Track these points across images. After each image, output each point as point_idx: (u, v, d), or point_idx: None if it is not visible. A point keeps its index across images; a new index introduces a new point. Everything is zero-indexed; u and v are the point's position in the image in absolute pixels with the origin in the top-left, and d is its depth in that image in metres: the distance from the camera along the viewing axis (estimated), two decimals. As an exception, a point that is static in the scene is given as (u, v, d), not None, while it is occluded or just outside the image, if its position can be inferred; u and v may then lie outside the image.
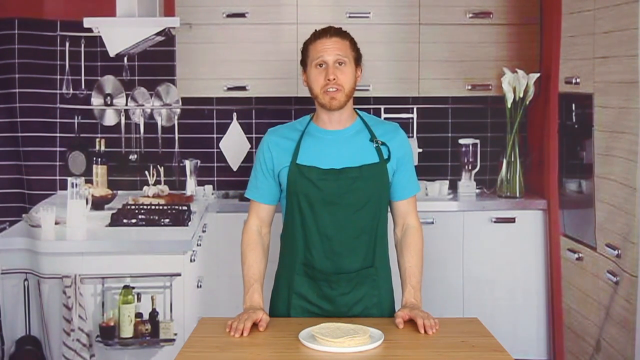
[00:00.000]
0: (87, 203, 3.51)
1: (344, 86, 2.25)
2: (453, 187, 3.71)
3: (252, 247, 2.35)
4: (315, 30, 2.31)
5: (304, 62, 2.33)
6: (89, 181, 3.60)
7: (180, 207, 3.57)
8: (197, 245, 3.48)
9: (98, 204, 3.57)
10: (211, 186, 3.69)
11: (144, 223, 3.49)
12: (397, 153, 2.32)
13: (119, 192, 3.65)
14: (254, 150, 3.63)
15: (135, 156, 3.67)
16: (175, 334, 3.41)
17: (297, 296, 2.31)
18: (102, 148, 3.63)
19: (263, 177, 2.35)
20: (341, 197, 2.26)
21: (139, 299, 3.39)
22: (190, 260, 3.42)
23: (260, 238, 2.37)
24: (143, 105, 3.67)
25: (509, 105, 3.60)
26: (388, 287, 2.39)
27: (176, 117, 3.68)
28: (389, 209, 2.40)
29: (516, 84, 3.58)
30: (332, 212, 2.27)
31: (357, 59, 2.32)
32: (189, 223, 3.49)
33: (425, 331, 2.10)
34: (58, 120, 3.59)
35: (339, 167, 2.26)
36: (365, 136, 2.32)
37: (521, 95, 3.59)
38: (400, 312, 2.21)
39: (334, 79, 2.23)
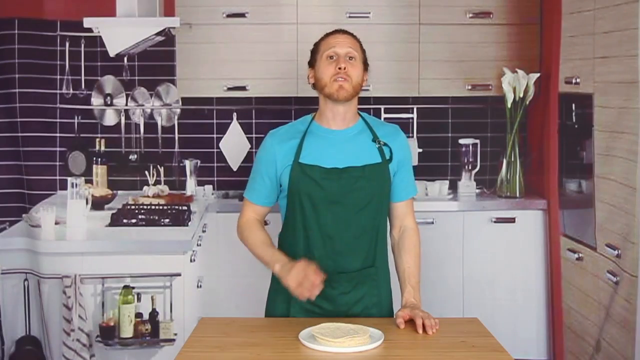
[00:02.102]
0: (87, 203, 3.51)
1: (353, 78, 2.27)
2: (453, 187, 3.71)
3: (253, 228, 2.36)
4: (326, 33, 2.35)
5: (312, 60, 2.34)
6: (89, 181, 3.60)
7: (180, 207, 3.57)
8: (197, 245, 3.48)
9: (98, 204, 3.57)
10: (211, 186, 3.70)
11: (144, 223, 3.49)
12: (398, 154, 2.33)
13: (119, 192, 3.65)
14: (253, 150, 3.63)
15: (135, 156, 3.67)
16: (175, 334, 3.41)
17: (296, 298, 2.30)
18: (102, 148, 3.63)
19: (261, 179, 2.35)
20: (344, 197, 2.26)
21: (139, 299, 3.39)
22: (190, 260, 3.42)
23: (257, 222, 2.39)
24: (143, 105, 3.67)
25: (509, 105, 3.60)
26: (387, 287, 2.39)
27: (176, 117, 3.69)
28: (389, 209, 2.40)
29: (516, 84, 3.58)
30: (334, 211, 2.27)
31: (365, 62, 2.34)
32: (189, 223, 3.49)
33: (425, 331, 2.10)
34: (58, 120, 3.59)
35: (342, 166, 2.27)
36: (368, 136, 2.33)
37: (521, 95, 3.59)
38: (400, 312, 2.21)
39: (345, 68, 2.25)
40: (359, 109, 2.40)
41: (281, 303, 2.35)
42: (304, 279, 2.12)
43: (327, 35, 2.34)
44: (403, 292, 2.31)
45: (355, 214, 2.28)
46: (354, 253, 2.30)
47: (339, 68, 2.25)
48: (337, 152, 2.29)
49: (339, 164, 2.27)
